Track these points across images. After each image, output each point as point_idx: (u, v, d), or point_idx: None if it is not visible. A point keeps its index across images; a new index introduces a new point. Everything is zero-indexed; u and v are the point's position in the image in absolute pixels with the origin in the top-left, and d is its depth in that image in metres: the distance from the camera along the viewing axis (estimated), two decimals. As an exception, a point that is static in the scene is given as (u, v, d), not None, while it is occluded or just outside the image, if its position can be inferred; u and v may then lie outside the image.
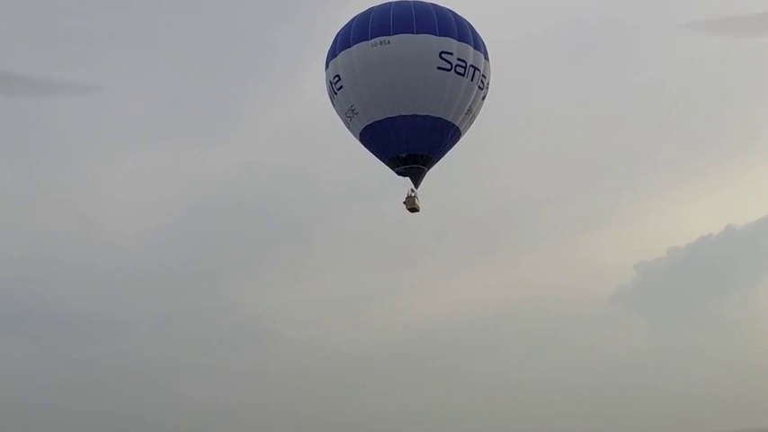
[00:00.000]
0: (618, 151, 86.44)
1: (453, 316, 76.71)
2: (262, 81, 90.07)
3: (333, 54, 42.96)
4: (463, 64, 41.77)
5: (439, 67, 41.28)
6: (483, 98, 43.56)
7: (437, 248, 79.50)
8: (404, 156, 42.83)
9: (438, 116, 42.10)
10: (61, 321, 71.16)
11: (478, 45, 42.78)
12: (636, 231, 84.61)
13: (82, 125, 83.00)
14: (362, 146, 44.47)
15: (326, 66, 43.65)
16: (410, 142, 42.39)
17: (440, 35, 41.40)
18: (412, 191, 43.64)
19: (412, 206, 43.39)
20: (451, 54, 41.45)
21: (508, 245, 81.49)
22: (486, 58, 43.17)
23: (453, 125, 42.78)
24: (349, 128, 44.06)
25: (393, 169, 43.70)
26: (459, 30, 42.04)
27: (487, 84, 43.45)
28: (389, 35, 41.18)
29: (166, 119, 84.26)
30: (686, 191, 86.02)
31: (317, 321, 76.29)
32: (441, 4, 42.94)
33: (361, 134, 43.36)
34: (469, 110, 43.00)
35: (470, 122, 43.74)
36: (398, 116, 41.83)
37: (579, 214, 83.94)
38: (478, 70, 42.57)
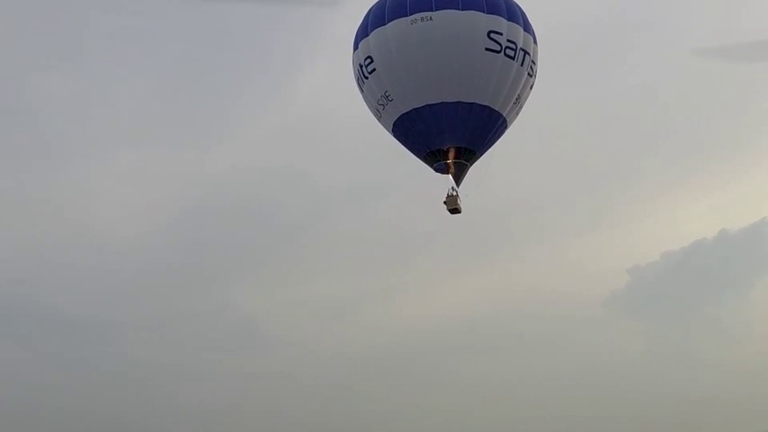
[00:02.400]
0: (611, 154, 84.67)
1: (446, 319, 75.72)
2: (255, 83, 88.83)
3: (364, 33, 37.69)
4: (513, 46, 36.81)
5: (487, 49, 36.25)
6: (531, 87, 38.59)
7: (430, 251, 79.26)
8: (445, 149, 37.59)
9: (485, 104, 37.00)
10: (54, 324, 70.74)
11: (528, 27, 37.87)
12: (629, 235, 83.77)
13: (75, 126, 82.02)
14: (395, 139, 39.24)
15: (355, 47, 38.35)
16: (453, 133, 37.19)
17: (488, 13, 36.38)
18: (453, 189, 38.34)
19: (454, 206, 38.06)
20: (501, 34, 36.47)
21: (501, 248, 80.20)
22: (535, 41, 38.26)
23: (501, 115, 37.71)
24: (379, 118, 38.70)
25: (431, 165, 38.39)
26: (507, 8, 37.09)
27: (536, 71, 38.53)
28: (432, 11, 36.06)
29: (159, 120, 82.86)
30: (680, 195, 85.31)
31: (311, 324, 75.96)
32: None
33: (395, 124, 38.02)
34: (518, 99, 38.00)
35: (517, 114, 38.72)
36: (441, 103, 36.65)
37: (572, 218, 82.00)
38: (528, 54, 37.64)
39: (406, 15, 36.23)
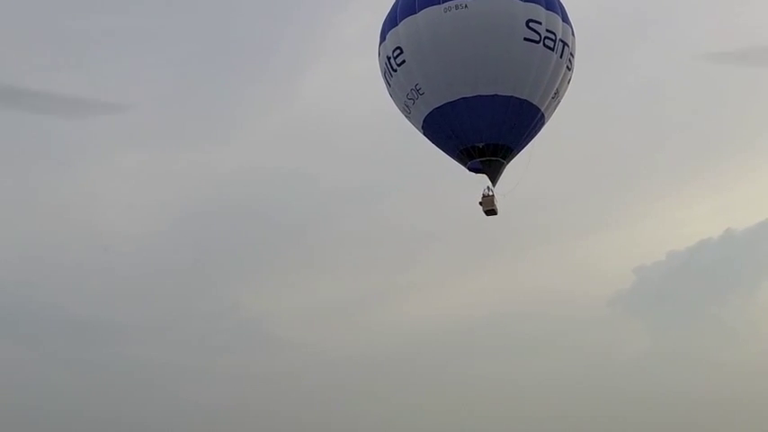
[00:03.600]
0: (616, 154, 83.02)
1: (450, 319, 74.98)
2: (259, 83, 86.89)
3: (392, 22, 35.18)
4: (552, 37, 34.46)
5: (526, 38, 33.88)
6: (568, 81, 36.21)
7: (434, 251, 78.54)
8: (481, 146, 35.01)
9: (523, 98, 34.56)
10: (58, 324, 70.15)
11: (566, 17, 35.59)
12: (635, 235, 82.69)
13: (78, 127, 78.64)
14: (425, 137, 36.67)
15: (382, 38, 35.84)
16: (491, 129, 34.67)
17: (526, 0, 34.07)
18: (489, 189, 35.78)
19: (490, 207, 35.48)
20: (540, 24, 34.12)
21: (505, 248, 77.21)
22: (573, 33, 35.96)
23: (539, 110, 35.27)
24: (408, 114, 36.13)
25: (465, 164, 35.82)
26: (545, -3, 34.79)
27: (574, 65, 36.19)
28: None
29: (163, 121, 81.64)
30: (685, 194, 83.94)
31: (316, 324, 74.98)
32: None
33: (425, 120, 35.45)
34: (556, 93, 35.60)
35: (554, 109, 36.32)
36: (477, 96, 34.15)
37: (577, 218, 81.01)
38: (567, 46, 35.31)
39: (439, 3, 33.83)
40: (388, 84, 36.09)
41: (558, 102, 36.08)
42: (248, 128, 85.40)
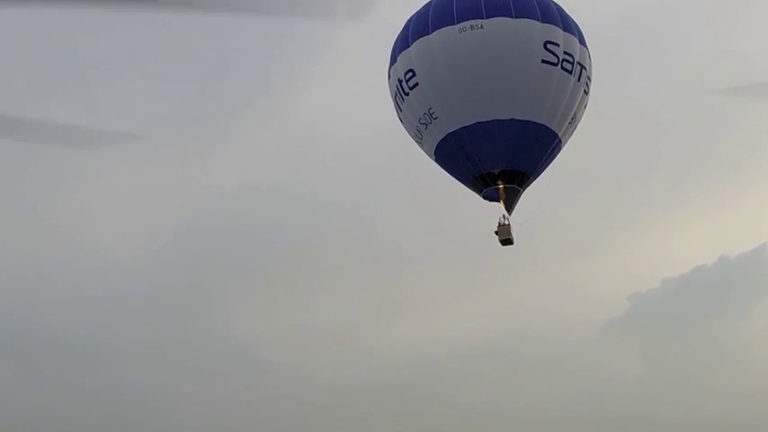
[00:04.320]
0: (609, 178, 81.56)
1: (443, 344, 74.17)
2: (254, 104, 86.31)
3: (404, 44, 33.74)
4: (570, 59, 33.20)
5: (544, 61, 32.59)
6: (585, 106, 34.92)
7: (426, 274, 77.80)
8: (497, 172, 33.51)
9: (541, 122, 33.17)
10: (48, 346, 69.48)
11: (583, 39, 34.37)
12: (629, 260, 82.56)
13: (75, 144, 76.15)
14: (437, 163, 35.13)
15: (393, 60, 34.37)
16: (507, 155, 33.20)
17: (543, 21, 32.80)
18: (504, 218, 34.20)
19: (506, 237, 33.86)
20: (557, 45, 32.87)
21: (499, 272, 76.63)
22: (590, 56, 34.71)
23: (556, 135, 33.87)
24: (419, 139, 34.60)
25: (479, 192, 34.26)
26: (562, 18, 33.57)
27: (590, 89, 34.90)
28: (482, 18, 32.35)
29: (157, 140, 78.75)
30: (679, 219, 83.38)
31: (309, 348, 74.77)
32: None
33: (438, 146, 33.91)
34: (573, 118, 34.26)
35: (571, 134, 34.96)
36: (494, 120, 32.72)
37: (571, 243, 79.29)
38: (585, 69, 34.05)
39: (454, 23, 32.49)
40: (398, 108, 34.57)
41: (575, 127, 34.78)
42: (242, 148, 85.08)
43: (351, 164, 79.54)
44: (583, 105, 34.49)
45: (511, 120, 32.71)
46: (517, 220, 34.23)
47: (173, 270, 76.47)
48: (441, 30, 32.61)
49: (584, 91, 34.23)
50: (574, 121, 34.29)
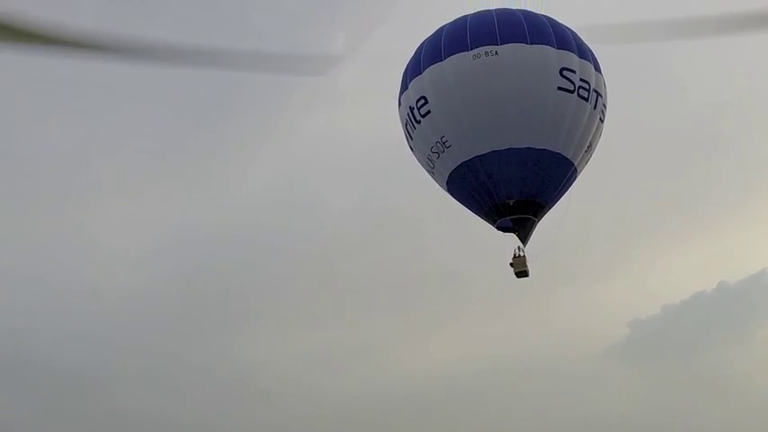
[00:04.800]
0: (608, 206, 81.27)
1: (443, 372, 73.94)
2: (255, 134, 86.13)
3: (416, 70, 32.75)
4: (586, 86, 32.30)
5: (560, 88, 31.68)
6: (600, 134, 33.98)
7: (427, 304, 77.84)
8: (512, 203, 32.41)
9: (557, 151, 32.20)
10: (48, 373, 68.60)
11: (598, 66, 33.47)
12: (629, 287, 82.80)
13: (71, 173, 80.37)
14: (450, 194, 34.02)
15: (404, 87, 33.37)
16: (523, 184, 32.14)
17: (559, 48, 31.91)
18: (519, 249, 33.09)
19: (522, 269, 32.74)
20: (574, 72, 31.98)
21: (498, 301, 76.19)
22: (605, 83, 33.83)
23: (572, 164, 32.88)
24: (431, 168, 33.50)
25: (494, 222, 33.15)
26: (577, 44, 32.68)
27: (606, 117, 33.98)
28: (497, 44, 31.45)
29: (157, 169, 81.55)
30: (679, 246, 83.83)
31: (311, 375, 73.64)
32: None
33: (451, 175, 32.81)
34: (589, 146, 33.31)
35: (586, 163, 33.97)
36: (509, 149, 31.71)
37: (570, 269, 78.56)
38: (601, 97, 33.13)
39: (468, 50, 31.56)
40: (409, 136, 33.51)
41: (591, 155, 33.79)
42: (242, 177, 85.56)
43: (349, 195, 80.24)
44: (599, 133, 33.57)
45: (527, 148, 31.72)
46: (531, 251, 33.14)
47: (174, 299, 76.44)
48: (454, 56, 31.68)
49: (600, 119, 33.31)
50: (590, 149, 33.36)
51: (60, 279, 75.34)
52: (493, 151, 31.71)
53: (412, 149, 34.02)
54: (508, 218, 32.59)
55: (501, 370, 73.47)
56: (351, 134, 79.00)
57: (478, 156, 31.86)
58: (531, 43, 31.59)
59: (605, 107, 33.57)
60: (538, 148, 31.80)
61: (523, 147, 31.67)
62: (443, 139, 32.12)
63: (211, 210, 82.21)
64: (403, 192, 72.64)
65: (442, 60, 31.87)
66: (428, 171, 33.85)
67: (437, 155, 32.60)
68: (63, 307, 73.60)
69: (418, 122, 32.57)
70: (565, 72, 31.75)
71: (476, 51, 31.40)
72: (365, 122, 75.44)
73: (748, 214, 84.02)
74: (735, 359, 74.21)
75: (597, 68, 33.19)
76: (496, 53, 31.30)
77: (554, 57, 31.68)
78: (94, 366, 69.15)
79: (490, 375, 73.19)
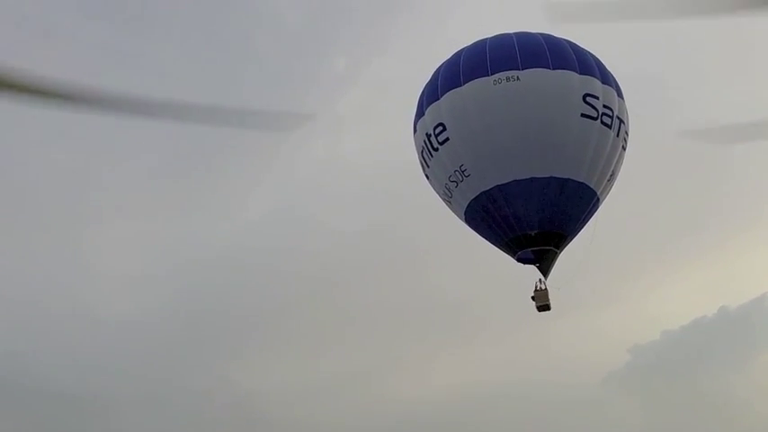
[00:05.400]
0: (608, 230, 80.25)
1: (443, 398, 74.01)
2: (258, 161, 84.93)
3: (433, 96, 31.45)
4: (610, 113, 31.13)
5: (583, 114, 30.47)
6: (622, 162, 32.80)
7: (428, 330, 77.83)
8: (533, 234, 31.10)
9: (580, 180, 30.94)
10: (46, 396, 67.69)
11: (620, 92, 32.35)
12: (629, 312, 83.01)
13: (72, 197, 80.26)
14: (467, 225, 32.68)
15: (420, 113, 32.07)
16: (544, 215, 30.83)
17: (581, 73, 30.74)
18: (541, 282, 31.77)
19: (544, 303, 31.42)
20: (597, 98, 30.80)
21: (498, 327, 76.34)
22: (627, 110, 32.67)
23: (595, 194, 31.64)
24: (448, 198, 32.16)
25: (513, 254, 31.81)
26: (600, 69, 31.55)
27: (628, 144, 32.82)
28: (519, 69, 30.21)
29: (158, 193, 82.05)
30: (679, 271, 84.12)
31: (311, 401, 73.65)
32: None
33: (470, 205, 31.46)
34: (612, 175, 32.10)
35: (608, 192, 32.75)
36: (531, 178, 30.42)
37: (570, 296, 77.46)
38: (624, 123, 31.99)
39: (488, 74, 30.32)
40: (425, 164, 32.17)
41: (613, 184, 32.57)
42: (243, 203, 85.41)
43: (348, 218, 79.36)
44: (621, 162, 32.39)
45: (550, 177, 30.45)
46: (555, 284, 31.84)
47: (173, 323, 76.07)
48: (474, 81, 30.41)
49: (623, 146, 32.15)
50: (612, 178, 32.16)
51: (58, 302, 75.26)
52: (514, 180, 30.42)
53: (428, 177, 32.68)
54: (529, 250, 31.25)
55: (501, 395, 72.98)
56: (352, 159, 78.33)
57: (499, 185, 30.56)
58: (554, 68, 30.40)
59: (627, 134, 32.41)
60: (561, 177, 30.54)
61: (546, 176, 30.41)
62: (462, 168, 30.80)
63: (212, 234, 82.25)
64: (406, 216, 72.82)
65: (460, 86, 30.60)
66: (444, 200, 32.51)
67: (455, 183, 31.26)
68: (61, 330, 73.60)
69: (435, 150, 31.24)
70: (588, 98, 30.58)
71: (496, 76, 30.17)
72: (366, 147, 75.27)
73: (748, 239, 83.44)
74: (736, 384, 73.79)
75: (620, 94, 32.06)
76: (518, 78, 30.08)
77: (577, 82, 30.51)
78: (92, 390, 68.56)
79: (490, 401, 72.97)
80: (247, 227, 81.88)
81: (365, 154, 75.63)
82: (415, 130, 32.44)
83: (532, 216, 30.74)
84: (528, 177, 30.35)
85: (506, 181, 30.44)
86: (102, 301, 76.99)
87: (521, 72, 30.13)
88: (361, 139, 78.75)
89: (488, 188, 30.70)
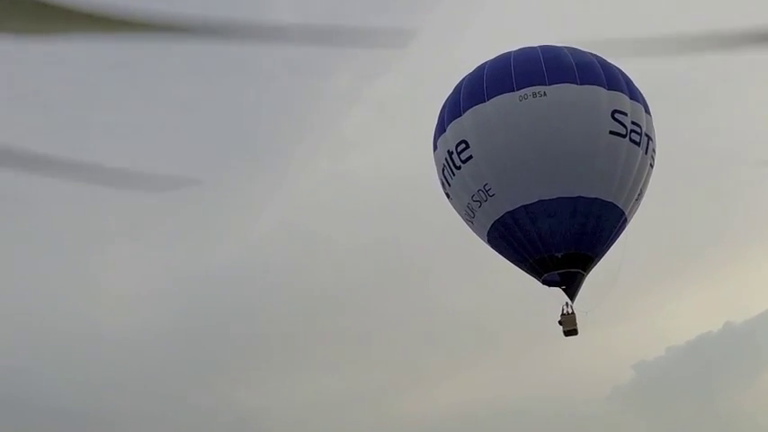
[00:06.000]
0: (615, 248, 79.30)
1: (449, 416, 72.61)
2: (262, 181, 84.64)
3: (455, 112, 30.21)
4: (638, 130, 29.97)
5: (612, 132, 29.31)
6: (650, 180, 31.67)
7: (432, 347, 77.55)
8: (560, 256, 29.88)
9: (609, 200, 29.77)
10: (48, 414, 66.73)
11: (648, 108, 31.22)
12: (633, 329, 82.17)
13: (75, 215, 77.63)
14: (490, 246, 31.45)
15: (441, 129, 30.82)
16: (572, 236, 29.64)
17: (609, 88, 29.58)
18: (568, 306, 30.55)
19: (572, 327, 30.23)
20: (626, 115, 29.64)
21: (502, 342, 76.52)
22: (653, 126, 31.58)
23: (623, 213, 30.47)
24: (471, 218, 30.91)
25: (539, 277, 30.59)
26: (627, 84, 30.41)
27: (655, 162, 31.71)
28: (545, 85, 29.04)
29: (159, 212, 78.34)
30: (683, 286, 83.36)
31: (314, 421, 72.23)
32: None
33: (494, 226, 30.21)
34: (640, 194, 30.95)
35: (635, 212, 31.60)
36: (559, 198, 29.23)
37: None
38: (652, 141, 30.83)
39: (513, 90, 29.09)
40: (446, 183, 30.93)
41: (640, 203, 31.41)
42: (246, 222, 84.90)
43: (352, 238, 78.63)
44: (649, 180, 31.24)
45: (578, 197, 29.26)
46: (583, 307, 30.66)
47: (175, 342, 74.96)
48: (498, 97, 29.19)
49: (650, 164, 31.01)
50: (640, 196, 31.01)
51: (62, 319, 74.37)
52: (540, 200, 29.20)
53: (448, 196, 31.45)
54: (556, 272, 30.03)
55: (505, 412, 72.50)
56: (361, 176, 77.58)
57: (525, 205, 29.34)
58: (581, 83, 29.22)
59: (655, 152, 31.28)
60: (589, 197, 29.36)
61: (574, 196, 29.22)
62: (486, 187, 29.56)
63: (216, 251, 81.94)
64: (414, 233, 72.22)
65: (484, 101, 29.38)
66: (466, 220, 31.26)
67: (478, 203, 30.02)
68: (64, 347, 72.61)
69: (458, 168, 30.00)
70: (616, 115, 29.42)
71: (522, 92, 28.97)
72: (374, 164, 74.65)
73: (753, 253, 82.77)
74: (742, 400, 73.62)
75: (647, 110, 30.93)
76: (545, 94, 28.90)
77: (605, 98, 29.35)
78: (96, 407, 68.05)
79: (494, 417, 72.03)
80: (252, 244, 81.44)
81: (373, 170, 75.24)
82: (435, 147, 31.21)
83: (559, 237, 29.54)
84: (555, 197, 29.16)
85: (532, 201, 29.24)
86: (106, 318, 76.39)
87: (547, 87, 28.96)
88: (368, 156, 78.45)
89: (513, 208, 29.48)
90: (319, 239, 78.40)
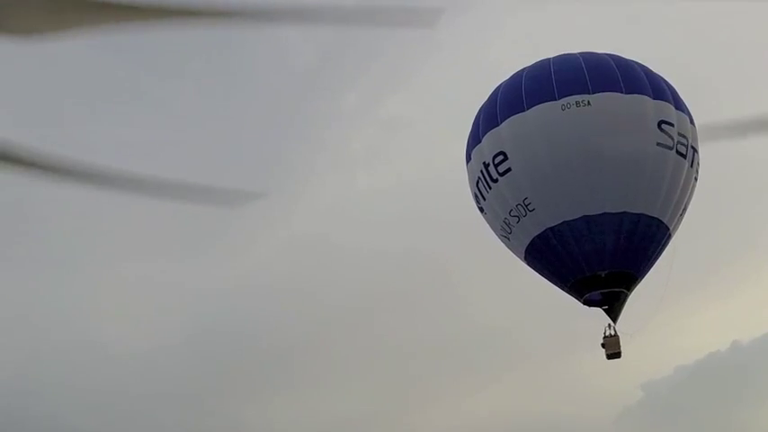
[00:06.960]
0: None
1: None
2: (266, 200, 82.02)
3: (492, 122, 28.45)
4: (685, 142, 28.35)
5: (659, 143, 27.69)
6: (693, 194, 30.08)
7: (437, 370, 74.63)
8: (603, 275, 28.17)
9: (654, 215, 28.11)
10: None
11: (692, 118, 29.58)
12: (641, 348, 79.67)
13: (82, 235, 75.92)
14: (527, 264, 29.72)
15: (476, 140, 29.01)
16: (617, 254, 27.96)
17: (655, 98, 27.97)
18: (611, 327, 28.84)
19: (615, 351, 28.53)
20: (672, 126, 28.03)
21: (509, 363, 74.69)
22: (697, 138, 29.96)
23: (668, 229, 28.82)
24: (507, 234, 29.14)
25: (580, 297, 28.86)
26: (672, 94, 28.81)
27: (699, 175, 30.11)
28: (589, 93, 27.37)
29: (171, 232, 76.57)
30: (691, 305, 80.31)
31: None
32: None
33: (533, 243, 28.44)
34: (684, 209, 29.32)
35: (678, 227, 29.98)
36: (603, 214, 27.53)
37: (581, 331, 75.91)
38: (697, 153, 29.20)
39: (555, 99, 27.41)
40: (480, 196, 29.12)
41: (683, 219, 29.78)
42: (254, 241, 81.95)
43: (357, 259, 76.09)
44: (693, 194, 29.63)
45: (623, 213, 27.58)
46: (626, 329, 28.96)
47: (183, 364, 73.41)
48: (539, 106, 27.49)
49: (695, 177, 29.40)
50: (684, 212, 29.38)
51: (71, 339, 73.29)
52: (584, 216, 27.50)
53: (482, 210, 29.66)
54: (598, 291, 28.34)
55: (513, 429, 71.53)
56: (371, 190, 76.00)
57: (567, 221, 27.62)
58: (627, 92, 27.60)
59: (699, 164, 29.68)
60: (634, 212, 27.71)
61: (619, 211, 27.54)
62: (526, 202, 27.80)
63: (226, 270, 79.42)
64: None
65: (524, 110, 27.66)
66: (501, 236, 29.50)
67: (516, 218, 28.25)
68: (73, 367, 71.47)
69: (495, 181, 28.23)
70: (663, 126, 27.79)
71: (564, 101, 27.28)
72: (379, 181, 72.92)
73: (761, 271, 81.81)
74: (750, 419, 72.40)
75: (692, 121, 29.28)
76: (588, 103, 27.22)
77: (651, 108, 27.74)
78: (104, 428, 67.29)
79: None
80: (263, 261, 79.52)
81: (377, 193, 73.95)
82: (468, 159, 29.44)
83: (603, 255, 27.85)
84: (600, 212, 27.47)
85: (575, 217, 27.53)
86: (114, 341, 74.57)
87: (591, 96, 27.30)
88: (374, 176, 77.02)
89: (555, 224, 27.75)
90: (339, 251, 76.77)
